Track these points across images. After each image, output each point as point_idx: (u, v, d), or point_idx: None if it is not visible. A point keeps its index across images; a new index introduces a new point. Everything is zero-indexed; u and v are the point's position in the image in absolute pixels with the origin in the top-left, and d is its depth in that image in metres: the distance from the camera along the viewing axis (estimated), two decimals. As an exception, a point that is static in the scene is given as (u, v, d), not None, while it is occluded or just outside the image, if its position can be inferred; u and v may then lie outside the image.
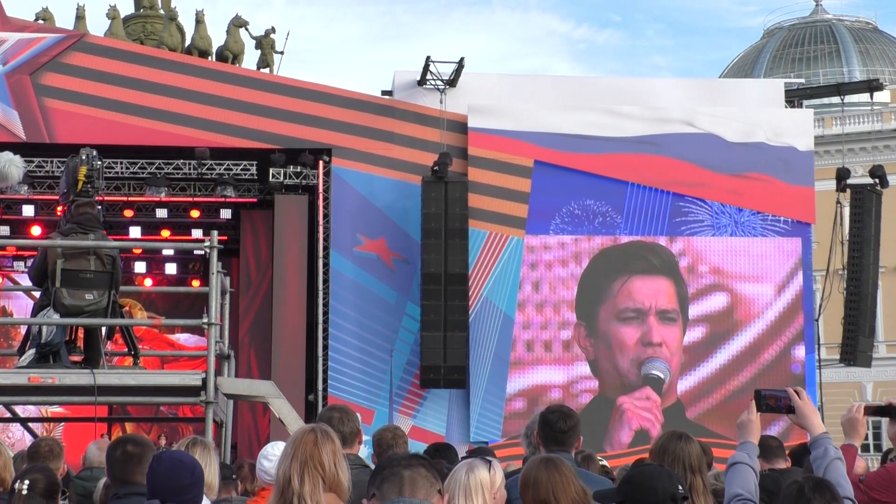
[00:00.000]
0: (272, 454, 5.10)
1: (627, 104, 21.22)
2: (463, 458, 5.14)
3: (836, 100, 26.56)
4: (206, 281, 18.30)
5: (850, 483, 4.18)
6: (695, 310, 20.91)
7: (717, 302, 21.01)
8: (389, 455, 3.29)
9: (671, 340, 20.72)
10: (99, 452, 6.91)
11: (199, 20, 23.72)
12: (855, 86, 26.90)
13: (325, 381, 19.94)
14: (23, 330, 12.12)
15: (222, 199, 20.55)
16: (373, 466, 5.94)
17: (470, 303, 19.89)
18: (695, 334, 20.87)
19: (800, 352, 20.99)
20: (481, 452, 7.81)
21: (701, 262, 21.01)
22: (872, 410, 4.56)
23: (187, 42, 23.86)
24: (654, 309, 20.70)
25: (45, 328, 9.43)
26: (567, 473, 4.27)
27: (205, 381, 9.46)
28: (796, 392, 4.35)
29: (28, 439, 17.44)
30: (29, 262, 20.34)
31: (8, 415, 12.63)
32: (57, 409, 18.57)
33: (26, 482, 4.96)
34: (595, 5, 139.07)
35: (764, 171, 21.14)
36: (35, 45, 19.74)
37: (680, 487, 4.03)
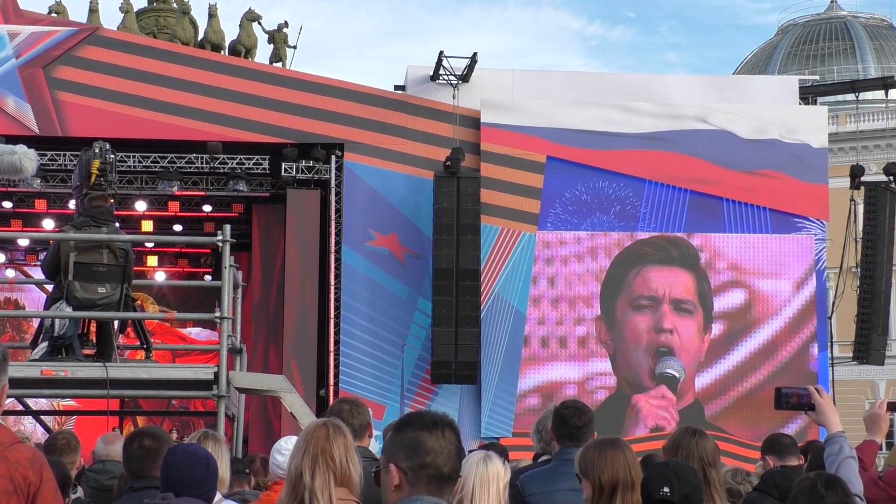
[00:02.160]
0: (285, 448, 5.09)
1: (641, 100, 21.16)
2: (471, 451, 5.13)
3: (850, 97, 26.47)
4: (217, 275, 18.35)
5: (860, 481, 4.21)
6: (714, 306, 20.85)
7: (734, 298, 20.93)
8: (424, 418, 3.12)
9: (685, 331, 20.65)
10: (105, 446, 6.89)
11: (212, 14, 23.71)
12: (870, 83, 26.82)
13: (336, 375, 19.94)
14: (35, 323, 12.15)
15: (234, 194, 20.56)
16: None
17: (482, 298, 19.87)
18: (713, 331, 20.81)
19: (816, 349, 20.92)
20: (492, 448, 7.80)
21: (719, 259, 20.95)
22: (893, 406, 4.58)
23: (200, 36, 23.85)
24: (669, 297, 20.65)
25: (57, 321, 9.43)
26: (632, 452, 4.30)
27: (217, 375, 9.46)
28: (817, 390, 4.41)
29: (40, 432, 17.50)
30: (42, 256, 20.42)
31: (20, 408, 12.65)
32: (68, 403, 18.64)
33: None
34: (607, 2, 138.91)
35: (778, 169, 21.07)
36: (48, 38, 19.77)
37: (665, 489, 4.00)
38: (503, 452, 6.39)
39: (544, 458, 5.62)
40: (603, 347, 20.58)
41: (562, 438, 5.20)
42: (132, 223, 20.79)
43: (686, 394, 20.62)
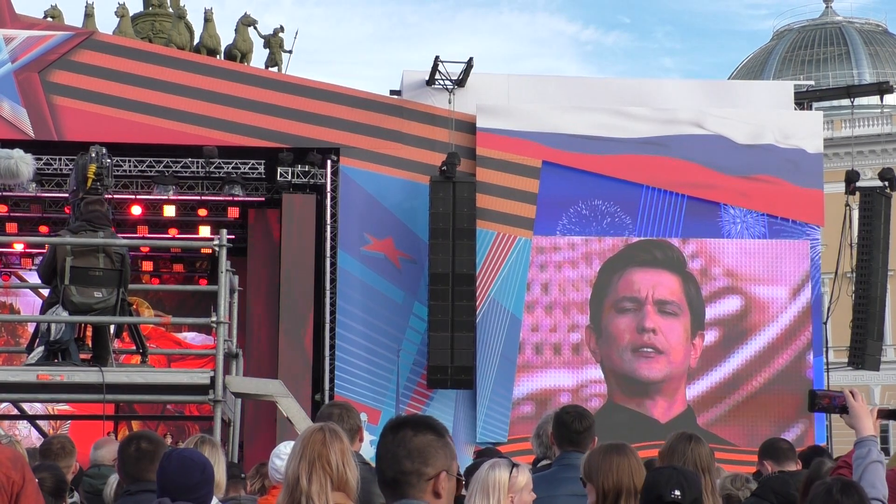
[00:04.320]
0: (284, 453, 5.09)
1: (636, 105, 21.17)
2: (476, 460, 5.15)
3: (845, 102, 26.53)
4: (212, 279, 18.27)
5: (885, 486, 4.21)
6: (708, 313, 20.80)
7: (730, 305, 20.88)
8: (389, 423, 3.15)
9: (669, 332, 20.56)
10: (96, 451, 6.89)
11: (208, 18, 23.73)
12: (865, 88, 26.88)
13: (331, 380, 19.92)
14: (30, 327, 12.13)
15: (230, 198, 20.54)
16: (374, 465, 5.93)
17: (477, 303, 19.86)
18: (708, 338, 20.75)
19: (812, 355, 20.89)
20: (489, 453, 7.80)
21: (714, 265, 20.89)
22: (885, 414, 4.59)
23: (196, 40, 23.86)
24: (652, 298, 20.59)
25: (53, 326, 9.42)
26: (638, 458, 4.29)
27: (213, 379, 9.45)
28: (851, 393, 4.44)
29: (34, 436, 17.47)
30: (37, 260, 20.39)
31: (16, 412, 12.62)
32: (63, 407, 18.61)
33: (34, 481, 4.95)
34: (603, 7, 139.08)
35: (773, 174, 21.07)
36: (44, 42, 19.76)
37: (676, 492, 3.99)
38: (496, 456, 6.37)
39: (544, 462, 5.61)
40: (592, 356, 20.53)
41: (562, 443, 5.19)
42: (128, 227, 20.77)
43: (676, 401, 20.54)
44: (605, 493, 4.14)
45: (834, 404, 4.47)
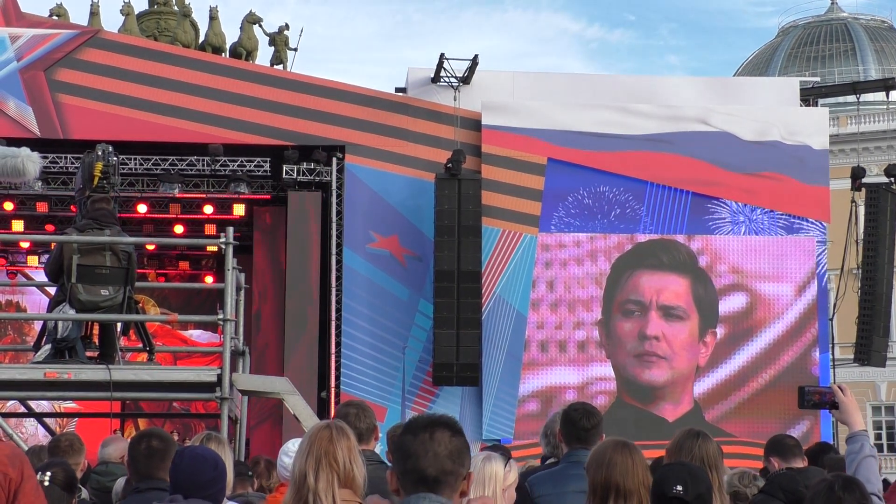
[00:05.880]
0: (292, 450, 5.11)
1: (641, 102, 21.15)
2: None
3: (851, 98, 26.50)
4: (218, 277, 18.30)
5: (880, 480, 4.22)
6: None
7: (736, 302, 20.85)
8: (414, 422, 3.19)
9: (673, 337, 20.52)
10: (102, 448, 6.91)
11: (213, 16, 23.75)
12: (870, 84, 26.85)
13: (337, 378, 19.93)
14: (37, 326, 12.16)
15: (235, 196, 20.55)
16: (388, 463, 5.94)
17: (483, 300, 19.87)
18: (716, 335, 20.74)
19: (818, 352, 20.87)
20: (497, 451, 7.80)
21: (720, 262, 20.87)
22: None
23: (201, 38, 23.89)
24: (656, 303, 20.56)
25: (60, 324, 9.44)
26: (640, 458, 4.28)
27: (220, 377, 9.47)
28: (840, 388, 4.45)
29: (41, 434, 17.51)
30: (44, 258, 20.43)
31: (23, 410, 12.65)
32: (69, 405, 18.65)
33: (48, 474, 4.98)
34: (607, 5, 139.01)
35: (779, 170, 21.05)
36: (49, 41, 19.78)
37: (678, 487, 3.96)
38: (506, 455, 6.39)
39: (551, 461, 5.62)
40: (603, 351, 20.54)
41: (570, 440, 5.19)
42: (133, 225, 20.79)
43: (682, 401, 20.51)
44: (594, 489, 4.13)
45: (824, 400, 4.48)
